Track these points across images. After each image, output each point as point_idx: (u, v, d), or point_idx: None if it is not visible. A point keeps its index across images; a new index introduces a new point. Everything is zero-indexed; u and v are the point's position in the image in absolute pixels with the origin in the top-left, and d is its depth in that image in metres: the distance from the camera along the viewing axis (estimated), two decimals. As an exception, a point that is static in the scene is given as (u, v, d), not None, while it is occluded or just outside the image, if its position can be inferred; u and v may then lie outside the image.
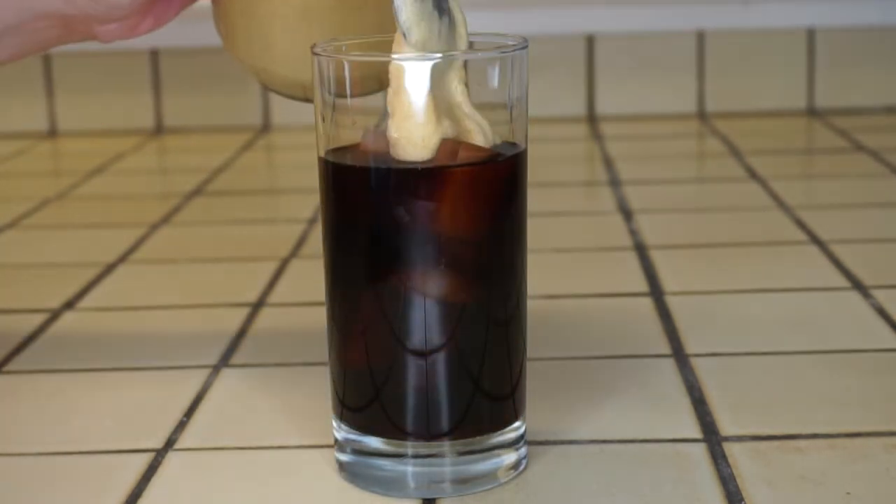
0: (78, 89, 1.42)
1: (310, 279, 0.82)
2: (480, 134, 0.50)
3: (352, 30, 0.58)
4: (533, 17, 1.39)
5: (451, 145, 0.50)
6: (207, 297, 0.80)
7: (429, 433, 0.51)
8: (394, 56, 0.50)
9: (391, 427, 0.52)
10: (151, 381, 0.66)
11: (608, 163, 1.18)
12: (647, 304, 0.75)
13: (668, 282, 0.79)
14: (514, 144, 0.52)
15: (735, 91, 1.40)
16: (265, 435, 0.58)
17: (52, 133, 1.43)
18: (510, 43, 0.52)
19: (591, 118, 1.41)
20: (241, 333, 0.72)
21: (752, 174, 1.10)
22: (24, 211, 1.06)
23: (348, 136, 0.51)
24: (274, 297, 0.79)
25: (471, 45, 0.53)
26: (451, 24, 0.52)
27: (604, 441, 0.56)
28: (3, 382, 0.67)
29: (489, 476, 0.52)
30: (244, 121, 1.42)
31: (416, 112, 0.49)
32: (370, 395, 0.52)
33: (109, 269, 0.87)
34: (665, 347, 0.68)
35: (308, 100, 0.61)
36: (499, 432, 0.52)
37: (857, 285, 0.77)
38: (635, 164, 1.17)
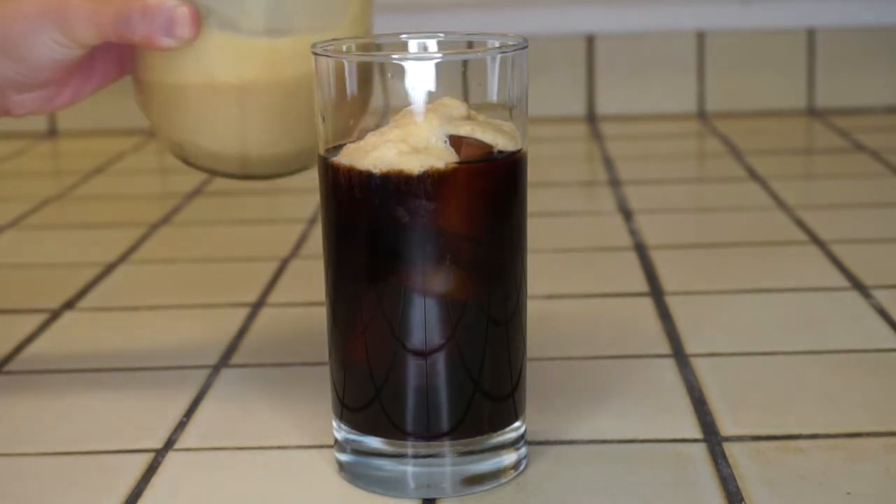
0: (78, 89, 1.42)
1: (310, 279, 0.82)
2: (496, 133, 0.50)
3: (285, 113, 0.57)
4: (533, 17, 1.39)
5: (454, 142, 0.50)
6: (207, 297, 0.80)
7: (429, 433, 0.51)
8: (394, 56, 0.50)
9: (391, 427, 0.52)
10: (151, 381, 0.66)
11: (608, 163, 1.18)
12: (647, 304, 0.75)
13: (668, 282, 0.79)
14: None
15: (735, 91, 1.40)
16: (265, 435, 0.58)
17: (52, 133, 1.43)
18: (510, 43, 0.52)
19: (591, 118, 1.41)
20: (241, 333, 0.72)
21: (752, 174, 1.10)
22: (24, 211, 1.06)
23: (348, 135, 0.51)
24: (274, 297, 0.79)
25: (471, 45, 0.53)
26: None
27: (604, 441, 0.56)
28: (3, 382, 0.67)
29: (489, 476, 0.52)
30: (244, 121, 1.42)
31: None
32: (370, 395, 0.52)
33: (109, 269, 0.87)
34: (665, 347, 0.68)
35: (247, 176, 0.60)
36: (499, 432, 0.52)
37: (857, 285, 0.77)
38: (635, 164, 1.17)
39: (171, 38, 0.56)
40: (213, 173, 0.60)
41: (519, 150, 0.51)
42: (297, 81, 0.57)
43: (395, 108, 0.50)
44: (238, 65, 0.57)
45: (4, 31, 0.58)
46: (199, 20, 0.56)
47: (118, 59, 0.62)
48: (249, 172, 0.60)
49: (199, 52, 0.57)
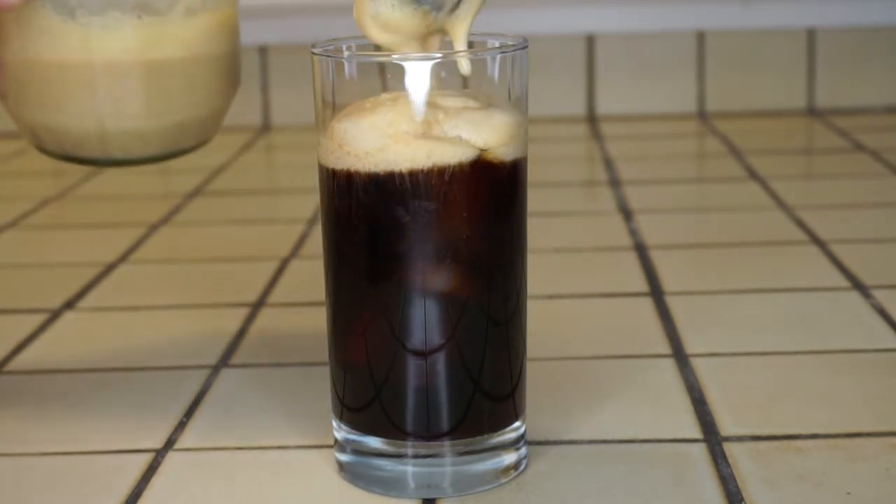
0: (78, 89, 1.42)
1: (310, 279, 0.82)
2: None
3: (141, 88, 0.56)
4: (533, 17, 1.39)
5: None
6: (207, 297, 0.80)
7: (429, 433, 0.51)
8: (394, 56, 0.50)
9: (391, 427, 0.52)
10: (151, 381, 0.66)
11: (608, 163, 1.18)
12: (647, 304, 0.75)
13: (668, 282, 0.79)
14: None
15: (735, 91, 1.40)
16: (265, 435, 0.58)
17: (52, 133, 1.43)
18: (510, 43, 0.52)
19: (591, 118, 1.41)
20: (241, 333, 0.72)
21: (752, 174, 1.10)
22: (24, 211, 1.06)
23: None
24: (274, 297, 0.79)
25: (470, 45, 0.53)
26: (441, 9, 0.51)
27: (604, 441, 0.56)
28: (3, 382, 0.67)
29: (489, 476, 0.52)
30: (244, 121, 1.42)
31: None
32: (370, 395, 0.52)
33: (109, 269, 0.87)
34: (665, 347, 0.68)
35: (113, 161, 0.58)
36: (499, 432, 0.52)
37: (857, 285, 0.77)
38: (635, 164, 1.17)
39: None
40: (79, 161, 0.58)
41: (485, 151, 0.51)
42: (152, 61, 0.55)
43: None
44: (85, 44, 0.55)
45: None
46: None
47: None
48: (113, 155, 0.57)
49: (40, 26, 0.55)
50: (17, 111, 0.58)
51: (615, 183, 1.09)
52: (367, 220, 0.50)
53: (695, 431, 0.57)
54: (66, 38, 0.55)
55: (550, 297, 0.77)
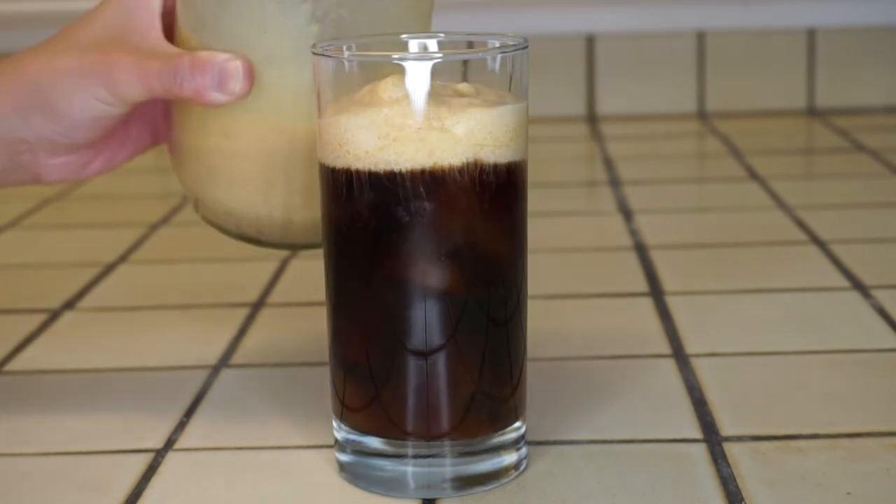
0: (78, 89, 1.42)
1: (310, 279, 0.82)
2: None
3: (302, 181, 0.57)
4: (533, 17, 1.39)
5: None
6: (207, 297, 0.80)
7: (429, 433, 0.51)
8: (394, 56, 0.50)
9: (391, 427, 0.52)
10: (152, 381, 0.66)
11: (608, 163, 1.18)
12: (647, 304, 0.75)
13: (668, 282, 0.79)
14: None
15: (735, 91, 1.40)
16: (265, 435, 0.58)
17: (52, 133, 1.43)
18: (510, 43, 0.52)
19: (591, 118, 1.41)
20: (241, 333, 0.72)
21: (752, 174, 1.10)
22: (24, 211, 1.06)
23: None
24: (274, 297, 0.79)
25: (471, 45, 0.53)
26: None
27: (604, 441, 0.56)
28: (3, 382, 0.67)
29: (489, 476, 0.52)
30: (244, 121, 1.42)
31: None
32: (370, 395, 0.52)
33: (109, 269, 0.87)
34: (665, 347, 0.68)
35: (260, 241, 0.59)
36: (499, 432, 0.52)
37: (857, 285, 0.77)
38: (635, 164, 1.17)
39: (223, 93, 0.54)
40: (258, 243, 0.59)
41: (485, 151, 0.51)
42: None
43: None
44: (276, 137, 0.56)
45: (42, 87, 0.56)
46: (253, 74, 0.54)
47: (152, 126, 0.61)
48: (294, 241, 0.59)
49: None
50: (200, 194, 0.59)
51: (615, 183, 1.09)
52: (367, 220, 0.50)
53: (695, 431, 0.57)
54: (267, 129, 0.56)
55: (550, 297, 0.77)
